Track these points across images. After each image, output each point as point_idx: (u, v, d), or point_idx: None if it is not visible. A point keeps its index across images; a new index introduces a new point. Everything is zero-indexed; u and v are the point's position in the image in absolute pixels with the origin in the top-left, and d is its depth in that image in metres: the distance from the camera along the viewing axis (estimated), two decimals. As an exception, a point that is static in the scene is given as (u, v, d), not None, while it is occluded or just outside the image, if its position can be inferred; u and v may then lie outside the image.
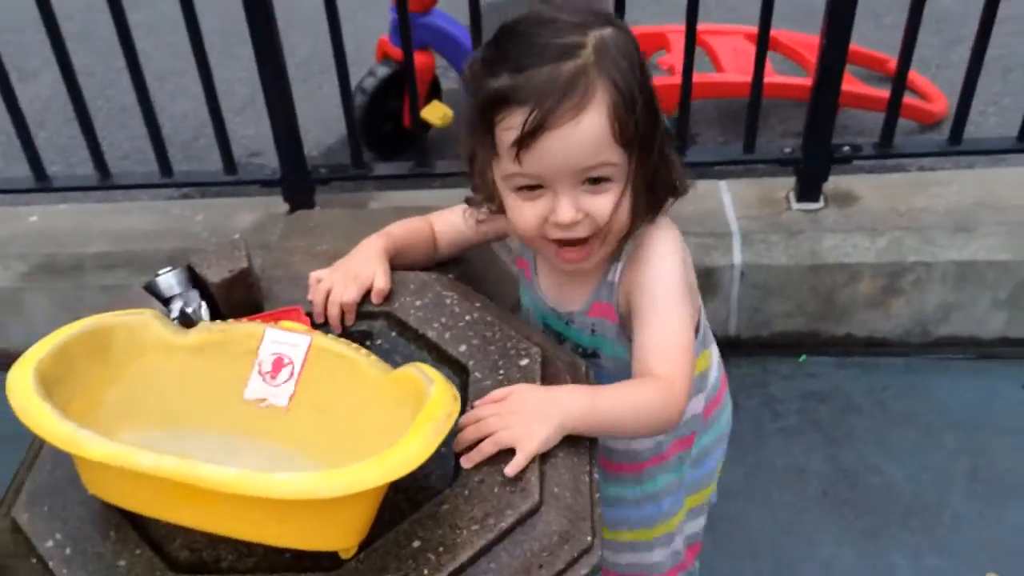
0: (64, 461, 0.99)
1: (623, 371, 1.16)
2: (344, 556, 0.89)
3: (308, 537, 0.87)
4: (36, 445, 1.04)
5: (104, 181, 2.28)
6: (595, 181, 1.04)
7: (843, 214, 2.18)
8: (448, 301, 1.15)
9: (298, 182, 2.24)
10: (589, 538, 0.92)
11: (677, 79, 2.12)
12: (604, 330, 1.18)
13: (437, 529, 0.90)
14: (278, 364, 0.98)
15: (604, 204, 1.05)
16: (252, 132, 2.99)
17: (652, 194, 1.09)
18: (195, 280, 1.12)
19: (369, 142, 2.74)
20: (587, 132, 1.00)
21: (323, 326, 1.16)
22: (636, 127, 1.02)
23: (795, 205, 2.21)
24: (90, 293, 2.31)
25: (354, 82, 2.31)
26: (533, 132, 0.99)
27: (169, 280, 1.11)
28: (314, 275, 1.20)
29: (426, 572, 0.87)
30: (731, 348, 2.25)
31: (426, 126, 2.79)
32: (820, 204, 2.20)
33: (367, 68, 2.70)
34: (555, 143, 1.00)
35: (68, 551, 0.90)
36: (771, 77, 2.55)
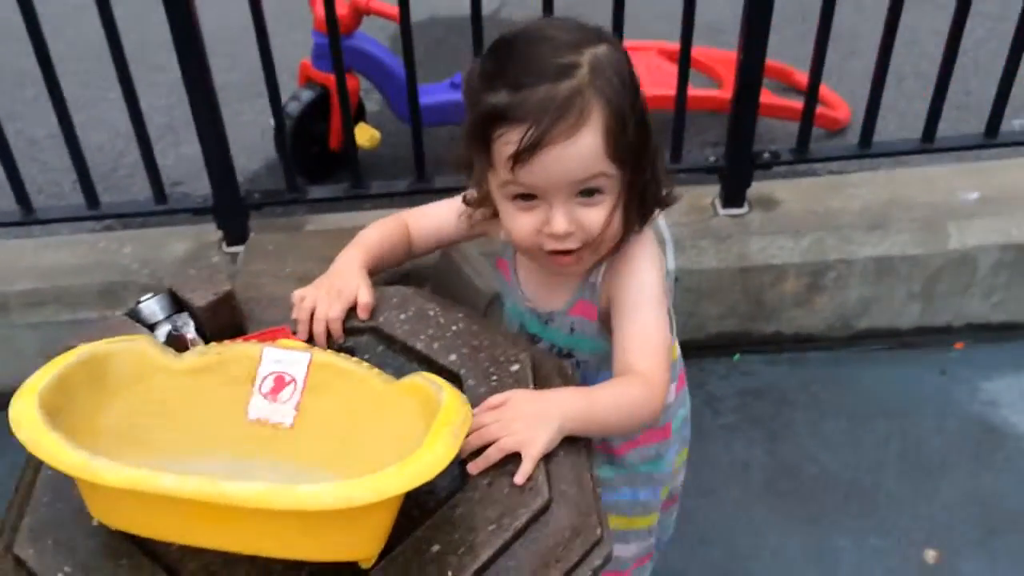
0: (64, 494, 0.97)
1: (602, 363, 1.22)
2: (364, 566, 0.91)
3: (332, 548, 0.88)
4: (27, 480, 1.02)
5: (28, 216, 2.21)
6: (589, 193, 1.08)
7: (767, 218, 2.28)
8: (432, 313, 1.17)
9: (231, 209, 2.22)
10: (599, 531, 0.96)
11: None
12: (583, 328, 1.23)
13: (454, 532, 0.93)
14: (280, 382, 0.99)
15: (597, 216, 1.10)
16: (171, 161, 2.94)
17: (643, 206, 1.14)
18: (178, 305, 1.11)
19: (296, 166, 2.73)
20: (582, 149, 1.04)
21: (308, 344, 1.16)
22: (628, 143, 1.07)
23: (721, 211, 2.30)
24: (19, 332, 2.24)
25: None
26: (530, 149, 1.03)
27: (152, 306, 1.10)
28: (297, 294, 1.21)
29: (449, 574, 0.89)
30: (669, 351, 2.32)
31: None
32: (745, 209, 2.30)
33: (289, 93, 2.69)
34: (551, 159, 1.04)
35: (80, 583, 0.89)
36: (688, 91, 2.65)
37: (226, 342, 1.04)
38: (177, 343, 1.07)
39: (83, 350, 0.95)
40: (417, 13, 2.10)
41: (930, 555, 1.94)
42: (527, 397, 1.05)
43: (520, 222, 1.11)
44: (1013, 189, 2.29)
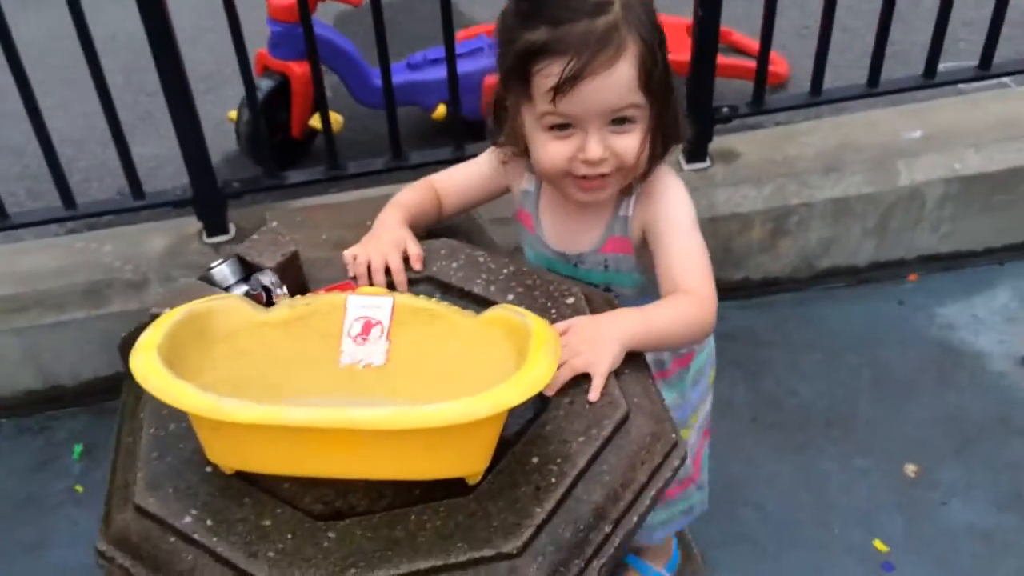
0: (171, 449, 1.01)
1: (639, 295, 1.31)
2: (471, 481, 0.98)
3: (446, 466, 0.95)
4: (125, 444, 1.05)
5: (4, 221, 2.19)
6: (620, 122, 1.17)
7: (729, 169, 2.40)
8: (481, 260, 1.24)
9: (210, 200, 2.24)
10: (673, 435, 1.05)
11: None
12: (618, 263, 1.32)
13: (548, 446, 1.00)
14: (367, 327, 1.05)
15: (629, 143, 1.18)
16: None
17: (665, 138, 1.23)
18: (247, 268, 1.16)
19: (258, 156, 2.75)
20: (619, 80, 1.13)
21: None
22: (658, 76, 1.16)
23: (686, 166, 2.41)
24: (2, 337, 2.22)
25: (234, 99, 2.31)
26: (571, 80, 1.11)
27: (223, 271, 1.14)
28: (348, 253, 1.27)
29: (552, 480, 0.97)
30: (648, 304, 2.43)
31: (314, 133, 2.83)
32: (708, 163, 2.41)
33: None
34: (590, 89, 1.13)
35: (209, 522, 0.94)
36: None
37: (308, 294, 1.09)
38: (264, 295, 1.12)
39: (184, 309, 1.00)
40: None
41: (910, 469, 2.09)
42: (588, 322, 1.13)
43: (554, 150, 1.19)
44: (951, 126, 2.46)
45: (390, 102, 2.23)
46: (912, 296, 2.48)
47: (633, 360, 1.13)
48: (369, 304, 1.05)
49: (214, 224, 2.27)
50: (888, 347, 2.35)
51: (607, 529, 0.95)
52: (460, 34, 2.96)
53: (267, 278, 1.10)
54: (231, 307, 1.04)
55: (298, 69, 2.63)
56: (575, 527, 0.94)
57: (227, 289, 1.14)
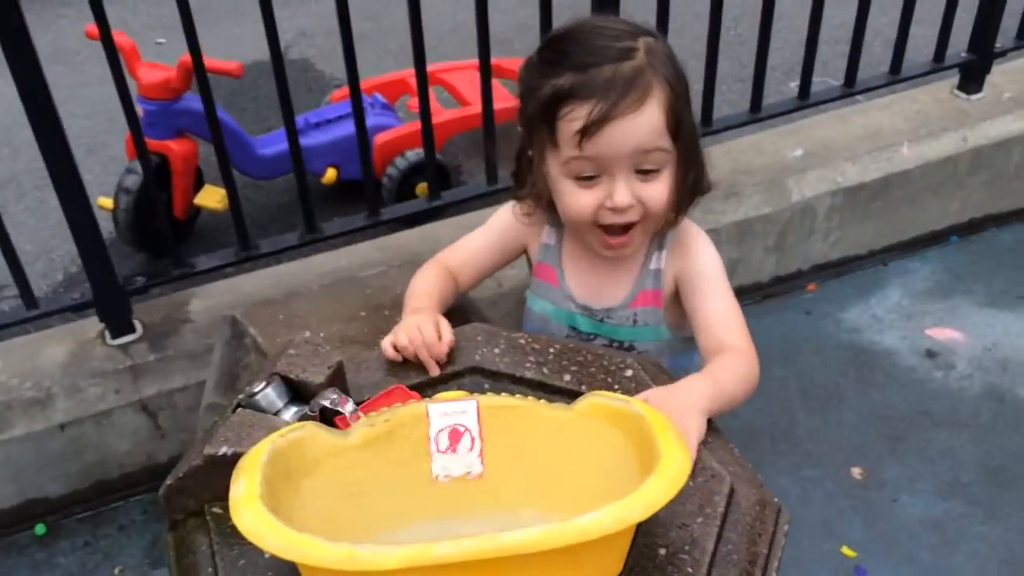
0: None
1: (663, 352, 1.30)
2: (606, 587, 0.93)
3: (594, 573, 0.89)
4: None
5: None
6: (646, 173, 1.16)
7: (637, 205, 2.44)
8: (523, 342, 1.19)
9: (113, 298, 2.05)
10: (776, 499, 1.03)
11: (434, 119, 2.20)
12: (647, 317, 1.30)
13: (669, 533, 0.97)
14: (455, 435, 0.97)
15: (656, 191, 1.18)
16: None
17: (692, 189, 1.23)
18: (292, 388, 1.05)
19: (140, 242, 2.55)
20: (646, 123, 1.13)
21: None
22: (685, 123, 1.15)
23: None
24: None
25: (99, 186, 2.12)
26: (599, 122, 1.10)
27: (269, 396, 1.03)
28: (384, 343, 1.19)
29: (689, 571, 0.93)
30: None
31: (197, 213, 2.67)
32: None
33: (124, 167, 2.52)
34: (618, 131, 1.12)
35: None
36: (511, 102, 2.77)
37: (383, 408, 1.00)
38: (329, 415, 1.01)
39: (267, 447, 0.89)
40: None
41: (856, 472, 2.19)
42: (665, 394, 1.11)
43: (581, 198, 1.18)
44: (827, 141, 2.61)
45: (300, 170, 2.11)
46: (815, 305, 2.60)
47: (710, 426, 1.11)
48: (452, 411, 0.98)
49: (118, 324, 2.07)
50: (805, 357, 2.46)
51: (751, 611, 0.93)
52: (337, 94, 2.88)
53: (328, 398, 1.00)
54: (310, 437, 0.94)
55: (177, 147, 2.46)
56: (724, 615, 0.91)
57: (276, 414, 1.03)
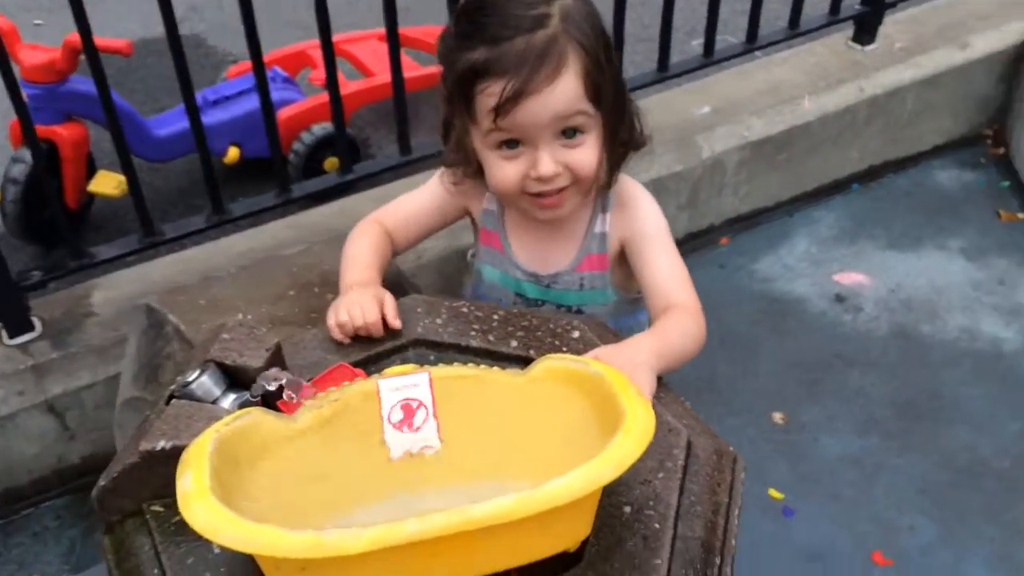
0: None
1: (609, 315, 1.29)
2: (572, 549, 0.91)
3: (560, 540, 0.88)
4: None
5: None
6: (571, 135, 1.14)
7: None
8: (465, 310, 1.16)
9: (8, 296, 1.93)
10: (731, 448, 1.04)
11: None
12: (594, 281, 1.29)
13: (633, 489, 0.96)
14: (408, 410, 0.94)
15: (582, 156, 1.16)
16: None
17: (621, 147, 1.21)
18: (228, 374, 1.00)
19: (31, 235, 2.42)
20: (562, 94, 1.11)
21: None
22: (605, 84, 1.13)
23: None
24: None
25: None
26: (513, 99, 1.07)
27: (205, 384, 0.98)
28: (328, 323, 1.14)
29: (656, 526, 0.93)
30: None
31: (91, 201, 2.54)
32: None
33: (10, 156, 2.37)
34: (532, 105, 1.10)
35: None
36: (417, 71, 2.72)
37: (331, 388, 0.96)
38: (271, 399, 0.97)
39: (210, 438, 0.84)
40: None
41: (777, 417, 2.24)
42: (613, 352, 1.09)
43: (506, 170, 1.15)
44: (732, 97, 2.64)
45: (203, 149, 2.02)
46: (729, 258, 2.64)
47: (659, 382, 1.10)
48: (404, 385, 0.95)
49: (15, 321, 1.96)
50: (723, 309, 2.49)
51: (717, 561, 0.93)
52: (234, 70, 2.77)
53: (274, 380, 0.96)
54: (256, 423, 0.89)
55: (66, 132, 2.33)
56: (694, 568, 0.91)
57: (214, 403, 0.98)
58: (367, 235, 1.29)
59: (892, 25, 2.85)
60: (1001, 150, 2.95)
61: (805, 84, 2.68)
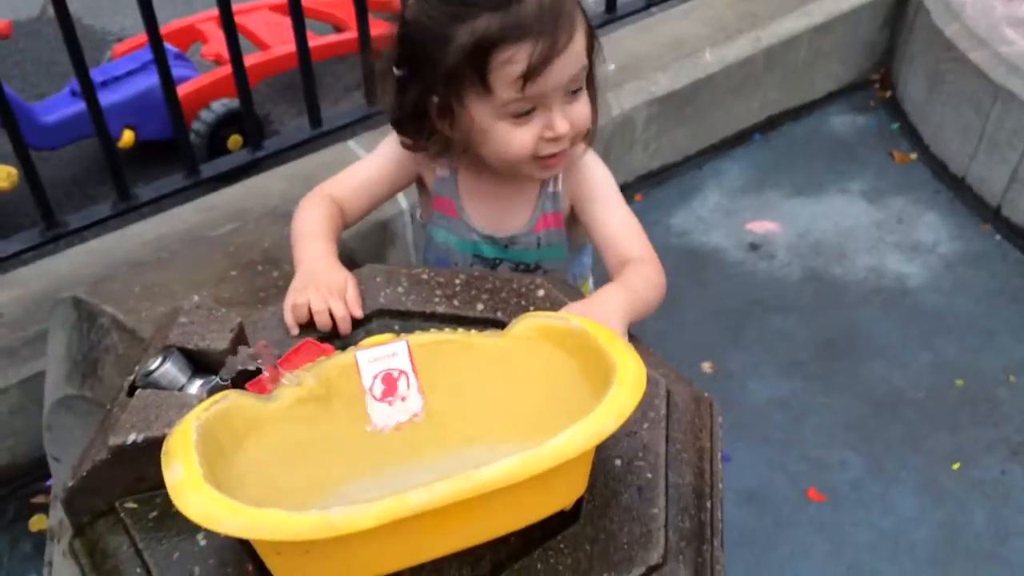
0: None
1: (566, 268, 1.28)
2: (567, 509, 0.90)
3: (559, 499, 0.87)
4: None
5: None
6: (573, 94, 1.12)
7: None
8: (426, 277, 1.13)
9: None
10: (706, 393, 1.05)
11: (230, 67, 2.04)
12: (551, 238, 1.27)
13: (621, 442, 0.96)
14: (389, 380, 0.91)
15: (584, 110, 1.15)
16: None
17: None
18: (195, 358, 0.94)
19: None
20: (578, 51, 1.09)
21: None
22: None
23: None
24: None
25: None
26: (544, 62, 1.03)
27: (170, 372, 0.92)
28: (286, 306, 1.08)
29: (649, 476, 0.93)
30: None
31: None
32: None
33: None
34: (558, 67, 1.07)
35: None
36: (318, 41, 2.64)
37: (307, 365, 0.92)
38: (242, 378, 0.92)
39: (192, 425, 0.79)
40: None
41: (706, 366, 2.29)
42: (585, 307, 1.09)
43: (520, 136, 1.12)
44: (636, 53, 2.66)
45: (103, 132, 1.91)
46: (644, 214, 2.63)
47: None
48: (382, 355, 0.91)
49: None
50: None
51: (709, 505, 0.94)
52: (120, 48, 2.63)
53: (246, 360, 0.91)
54: (236, 406, 0.85)
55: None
56: (688, 514, 0.91)
57: (180, 390, 0.92)
58: (316, 207, 1.24)
59: (782, -25, 2.91)
60: (888, 93, 3.06)
61: (705, 36, 2.72)
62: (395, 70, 1.16)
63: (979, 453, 2.06)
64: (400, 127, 1.20)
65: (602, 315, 1.07)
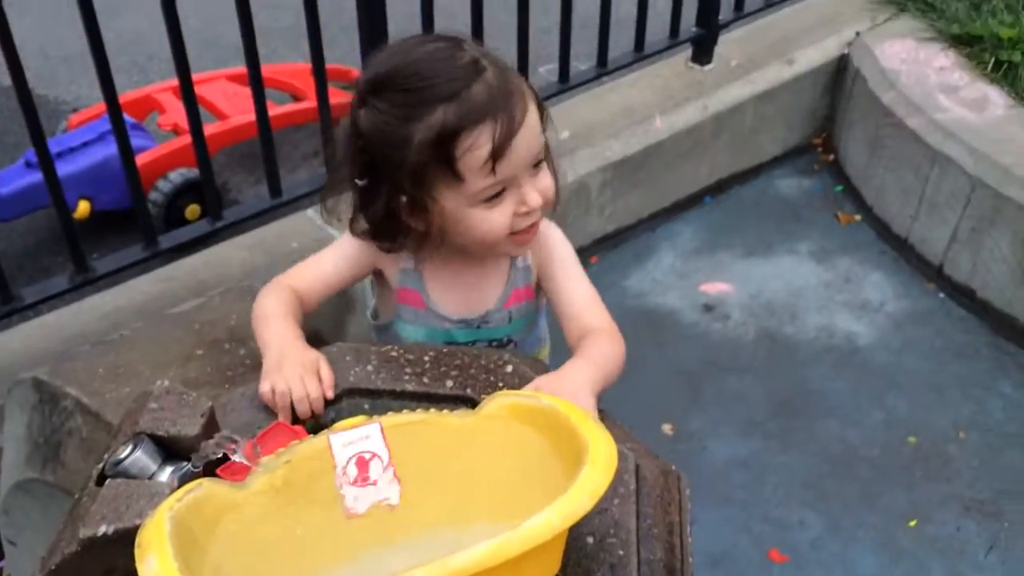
0: None
1: (528, 334, 1.30)
2: (545, 586, 0.91)
3: (538, 578, 0.87)
4: None
5: None
6: (536, 167, 1.15)
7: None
8: (395, 355, 1.14)
9: None
10: (673, 466, 1.07)
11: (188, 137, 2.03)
12: (522, 311, 1.29)
13: (592, 519, 0.97)
14: (363, 464, 0.92)
15: (547, 179, 1.19)
16: None
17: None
18: (165, 444, 0.94)
19: None
20: (533, 122, 1.13)
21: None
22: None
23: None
24: None
25: None
26: (507, 139, 1.06)
27: (140, 460, 0.91)
28: (264, 389, 1.08)
29: (620, 553, 0.94)
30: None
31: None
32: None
33: None
34: (522, 142, 1.10)
35: None
36: (276, 110, 2.67)
37: (279, 450, 0.92)
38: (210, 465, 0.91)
39: (165, 515, 0.79)
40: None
41: (667, 428, 2.31)
42: (552, 381, 1.10)
43: (496, 218, 1.15)
44: (589, 121, 2.72)
45: (61, 202, 1.89)
46: (599, 277, 2.71)
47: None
48: (356, 438, 0.92)
49: None
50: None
51: (680, 579, 0.95)
52: (76, 119, 2.63)
53: (217, 447, 0.90)
54: (209, 495, 0.84)
55: None
56: (661, 589, 0.92)
57: (151, 478, 0.92)
58: (275, 294, 1.24)
59: (726, 45, 3.01)
60: (831, 157, 3.16)
61: (655, 104, 2.80)
62: (358, 183, 1.18)
63: (934, 509, 2.10)
64: (375, 235, 1.22)
65: (571, 391, 1.09)
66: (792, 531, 2.07)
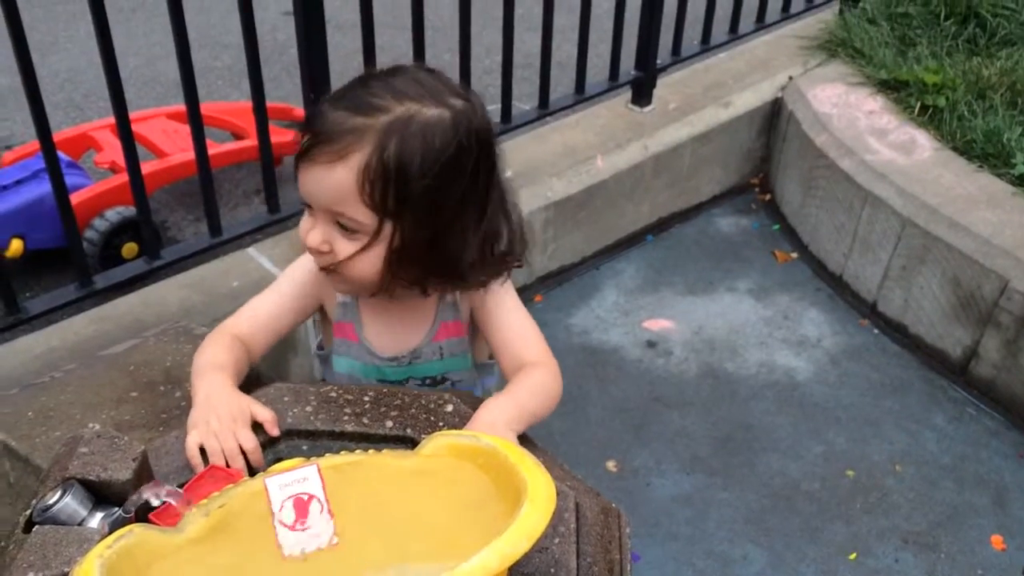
0: None
1: (474, 380, 1.30)
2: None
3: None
4: None
5: None
6: (346, 229, 1.12)
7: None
8: (334, 395, 1.13)
9: None
10: (613, 504, 1.07)
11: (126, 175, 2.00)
12: (453, 347, 1.28)
13: (532, 558, 0.96)
14: (300, 506, 0.90)
15: (342, 246, 1.13)
16: None
17: (432, 257, 1.15)
18: (95, 489, 0.91)
19: None
20: (335, 184, 1.08)
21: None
22: (394, 198, 1.08)
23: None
24: None
25: None
26: (302, 155, 1.10)
27: (69, 506, 0.88)
28: (191, 441, 1.05)
29: (561, 590, 0.93)
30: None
31: None
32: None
33: None
34: (311, 176, 1.10)
35: None
36: (217, 148, 2.65)
37: (213, 495, 0.90)
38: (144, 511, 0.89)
39: (95, 563, 0.77)
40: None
41: (611, 465, 2.32)
42: (474, 424, 1.10)
43: (303, 223, 1.17)
44: (531, 160, 2.75)
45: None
46: (544, 314, 2.72)
47: (538, 446, 1.12)
48: (292, 480, 0.91)
49: None
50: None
51: (621, 617, 0.95)
52: (9, 157, 2.58)
53: (150, 493, 0.88)
54: (141, 541, 0.82)
55: None
56: (602, 628, 0.92)
57: (80, 524, 0.89)
58: (218, 344, 1.20)
59: (664, 88, 3.08)
60: (768, 196, 3.23)
61: (596, 144, 2.84)
62: None
63: (873, 542, 2.13)
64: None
65: (490, 428, 1.09)
66: (736, 566, 2.08)
